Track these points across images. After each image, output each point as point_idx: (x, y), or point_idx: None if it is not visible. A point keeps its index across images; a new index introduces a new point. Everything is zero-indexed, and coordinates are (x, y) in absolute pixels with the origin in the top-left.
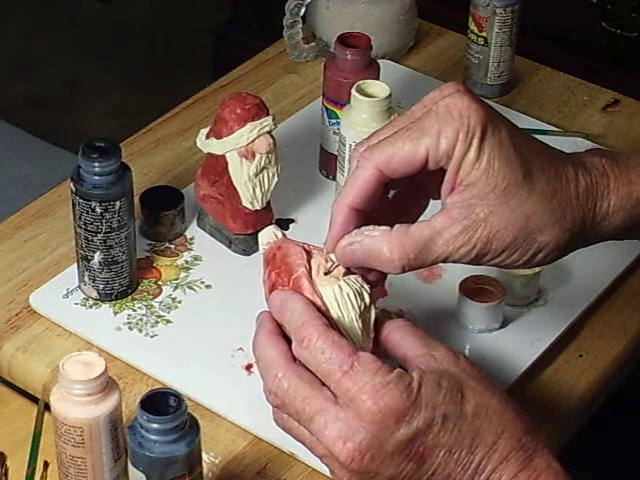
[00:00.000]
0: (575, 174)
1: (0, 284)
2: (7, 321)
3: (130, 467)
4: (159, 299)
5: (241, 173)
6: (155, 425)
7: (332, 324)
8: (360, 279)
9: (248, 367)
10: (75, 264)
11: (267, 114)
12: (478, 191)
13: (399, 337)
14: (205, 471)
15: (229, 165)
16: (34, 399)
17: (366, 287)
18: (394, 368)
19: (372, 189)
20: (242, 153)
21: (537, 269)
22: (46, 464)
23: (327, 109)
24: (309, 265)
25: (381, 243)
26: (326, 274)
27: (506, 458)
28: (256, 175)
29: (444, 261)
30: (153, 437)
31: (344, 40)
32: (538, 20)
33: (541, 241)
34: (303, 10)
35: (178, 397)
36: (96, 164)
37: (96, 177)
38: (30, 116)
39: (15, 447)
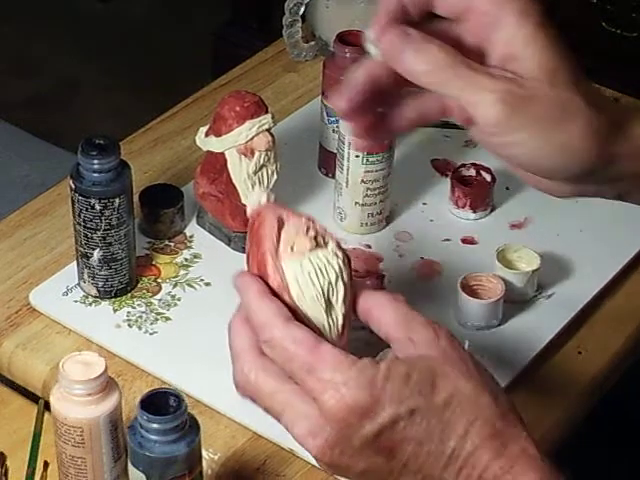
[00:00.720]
0: (609, 99)
1: (0, 282)
2: (7, 319)
3: (130, 467)
4: (158, 296)
5: (240, 171)
6: (155, 425)
7: (293, 303)
8: (330, 254)
9: None
10: (75, 262)
11: (266, 112)
12: (529, 65)
13: (379, 314)
14: (204, 467)
15: (228, 163)
16: (34, 399)
17: (334, 263)
18: (358, 358)
19: None
20: (241, 151)
21: (535, 266)
22: (46, 464)
23: (326, 107)
24: (278, 238)
25: (429, 39)
26: (292, 249)
27: (479, 446)
28: (255, 173)
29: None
30: (153, 437)
31: (343, 38)
32: None
33: (573, 130)
34: (302, 9)
35: (178, 397)
36: (95, 161)
37: (95, 174)
38: (30, 116)
39: (15, 447)
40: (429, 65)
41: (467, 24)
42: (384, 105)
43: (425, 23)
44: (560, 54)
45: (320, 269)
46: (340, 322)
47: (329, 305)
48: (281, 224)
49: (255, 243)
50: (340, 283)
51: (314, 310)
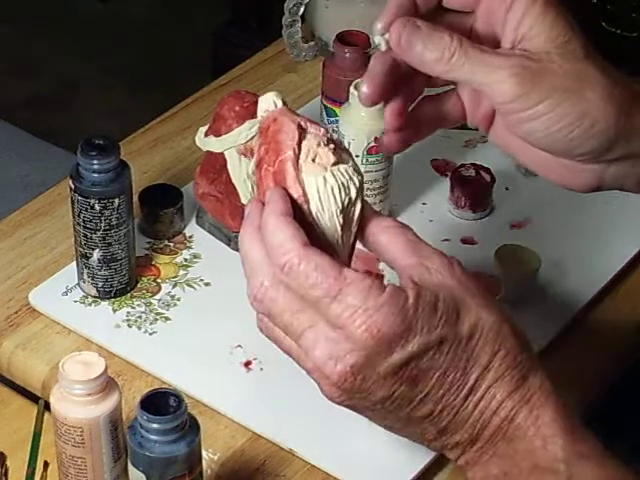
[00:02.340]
0: (622, 74)
1: (0, 282)
2: (6, 319)
3: (130, 467)
4: (158, 296)
5: (240, 171)
6: (155, 425)
7: (312, 217)
8: (351, 170)
9: (247, 364)
10: (74, 262)
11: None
12: (540, 41)
13: (386, 240)
14: (204, 467)
15: (228, 163)
16: (34, 399)
17: (355, 180)
18: (386, 285)
19: None
20: (241, 151)
21: (535, 266)
22: (46, 464)
23: (326, 107)
24: (299, 147)
25: (438, 28)
26: (314, 160)
27: (501, 377)
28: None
29: (484, 84)
30: (153, 437)
31: (342, 38)
32: None
33: (590, 97)
34: (302, 9)
35: (178, 397)
36: (95, 161)
37: (95, 174)
38: (30, 116)
39: (15, 447)
40: (438, 53)
41: (478, 13)
42: (406, 98)
43: (435, 17)
44: (570, 29)
45: (343, 184)
46: (350, 242)
47: (345, 223)
48: (301, 132)
49: (273, 150)
50: (359, 201)
51: (330, 226)
